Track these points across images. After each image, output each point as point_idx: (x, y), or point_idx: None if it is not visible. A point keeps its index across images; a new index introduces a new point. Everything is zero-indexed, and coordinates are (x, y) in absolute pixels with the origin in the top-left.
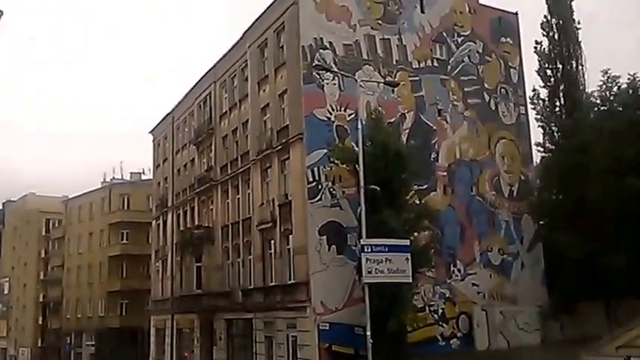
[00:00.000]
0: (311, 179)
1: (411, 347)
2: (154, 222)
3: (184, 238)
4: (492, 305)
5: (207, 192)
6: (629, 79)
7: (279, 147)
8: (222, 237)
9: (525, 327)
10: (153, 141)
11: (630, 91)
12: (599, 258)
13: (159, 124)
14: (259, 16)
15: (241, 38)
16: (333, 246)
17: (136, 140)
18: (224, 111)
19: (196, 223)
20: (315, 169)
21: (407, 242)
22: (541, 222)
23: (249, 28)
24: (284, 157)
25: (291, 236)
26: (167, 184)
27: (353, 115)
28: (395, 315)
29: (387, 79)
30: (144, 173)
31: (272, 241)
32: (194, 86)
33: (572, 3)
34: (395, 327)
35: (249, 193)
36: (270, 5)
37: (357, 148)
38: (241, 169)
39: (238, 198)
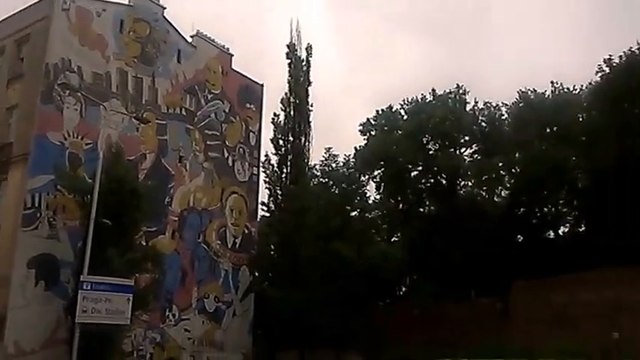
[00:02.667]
0: (29, 205)
1: None
2: None
3: None
4: (201, 351)
5: None
6: (344, 158)
7: None
8: None
9: None
10: None
11: (343, 170)
12: (304, 312)
13: None
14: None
15: None
16: (42, 281)
17: None
18: None
19: None
20: (37, 195)
21: (131, 282)
22: (257, 275)
23: None
24: (1, 177)
25: None
26: None
27: (90, 145)
28: (102, 359)
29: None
30: None
31: None
32: None
33: (309, 88)
34: None
35: None
36: (16, 13)
37: (89, 179)
38: None
39: None
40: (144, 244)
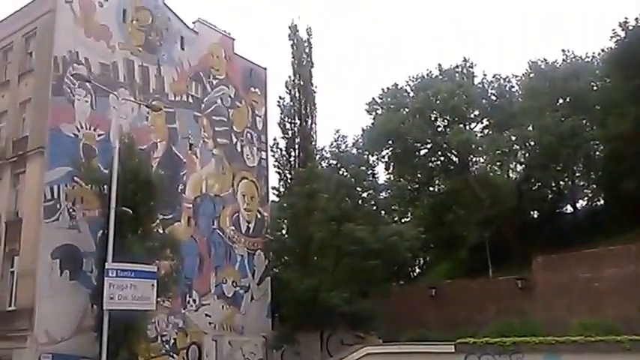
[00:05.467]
0: (49, 197)
1: None
2: None
3: None
4: (222, 335)
5: None
6: (354, 139)
7: (15, 159)
8: None
9: (250, 356)
10: None
11: (352, 151)
12: (319, 293)
13: None
14: (6, 18)
15: None
16: (67, 271)
17: None
18: None
19: None
20: (55, 187)
21: (154, 269)
22: (271, 259)
23: None
24: (19, 171)
25: (17, 258)
26: None
27: (103, 136)
28: (128, 345)
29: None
30: None
31: None
32: None
33: (312, 69)
34: (126, 357)
35: None
36: (22, 8)
37: (104, 170)
38: None
39: None
40: (161, 231)
